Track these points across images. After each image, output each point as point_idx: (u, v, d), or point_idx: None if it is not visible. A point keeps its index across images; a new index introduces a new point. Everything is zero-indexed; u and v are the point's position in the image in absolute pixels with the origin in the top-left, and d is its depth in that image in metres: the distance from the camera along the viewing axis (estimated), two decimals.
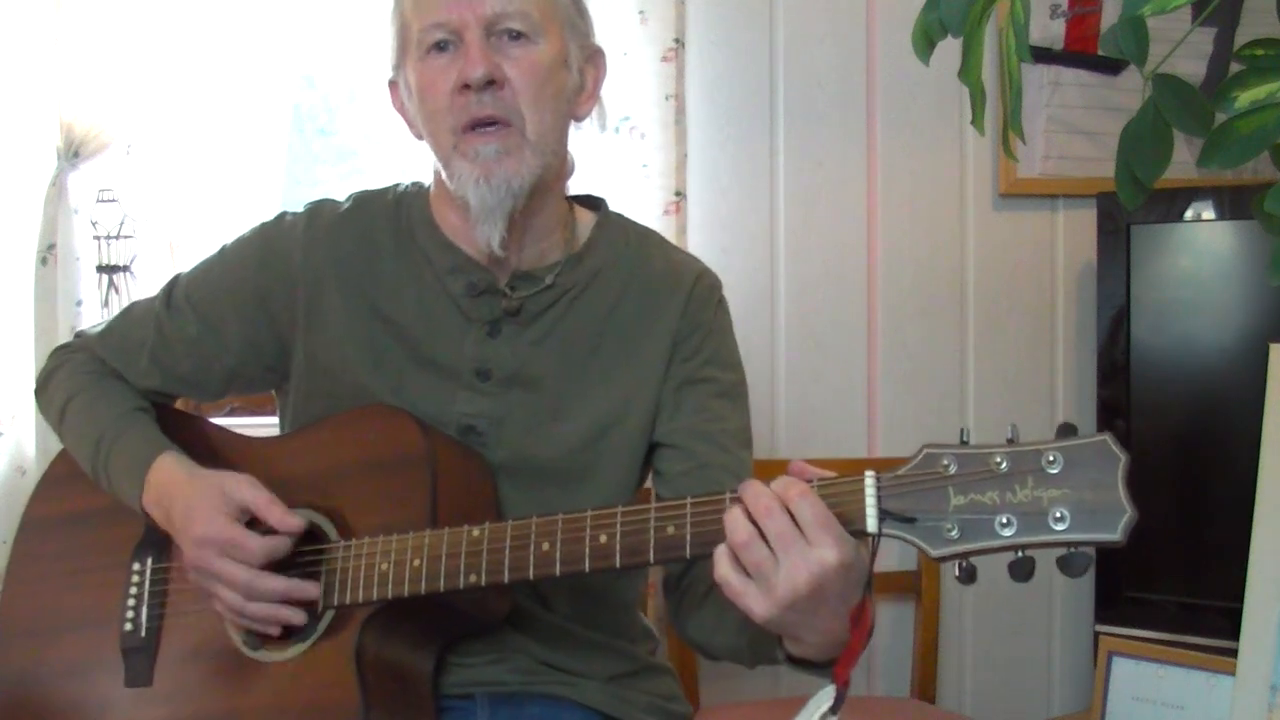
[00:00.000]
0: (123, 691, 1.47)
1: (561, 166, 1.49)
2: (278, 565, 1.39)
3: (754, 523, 1.11)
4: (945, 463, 1.09)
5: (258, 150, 2.36)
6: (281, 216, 1.57)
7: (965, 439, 1.11)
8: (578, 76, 1.47)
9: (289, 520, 1.38)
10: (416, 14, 1.43)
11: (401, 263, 1.51)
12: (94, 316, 2.25)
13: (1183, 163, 1.74)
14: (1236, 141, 1.22)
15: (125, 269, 2.31)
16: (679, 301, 1.52)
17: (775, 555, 1.10)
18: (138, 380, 1.58)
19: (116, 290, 2.30)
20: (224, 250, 1.59)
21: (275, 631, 1.39)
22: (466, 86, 1.38)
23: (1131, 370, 2.38)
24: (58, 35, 2.25)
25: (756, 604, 1.12)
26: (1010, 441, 1.08)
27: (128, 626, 1.49)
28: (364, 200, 1.57)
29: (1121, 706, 1.87)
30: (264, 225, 1.57)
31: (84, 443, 1.54)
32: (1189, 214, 2.34)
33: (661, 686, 1.58)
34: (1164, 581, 2.33)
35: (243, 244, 1.58)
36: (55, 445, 1.64)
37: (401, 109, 1.52)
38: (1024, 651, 2.69)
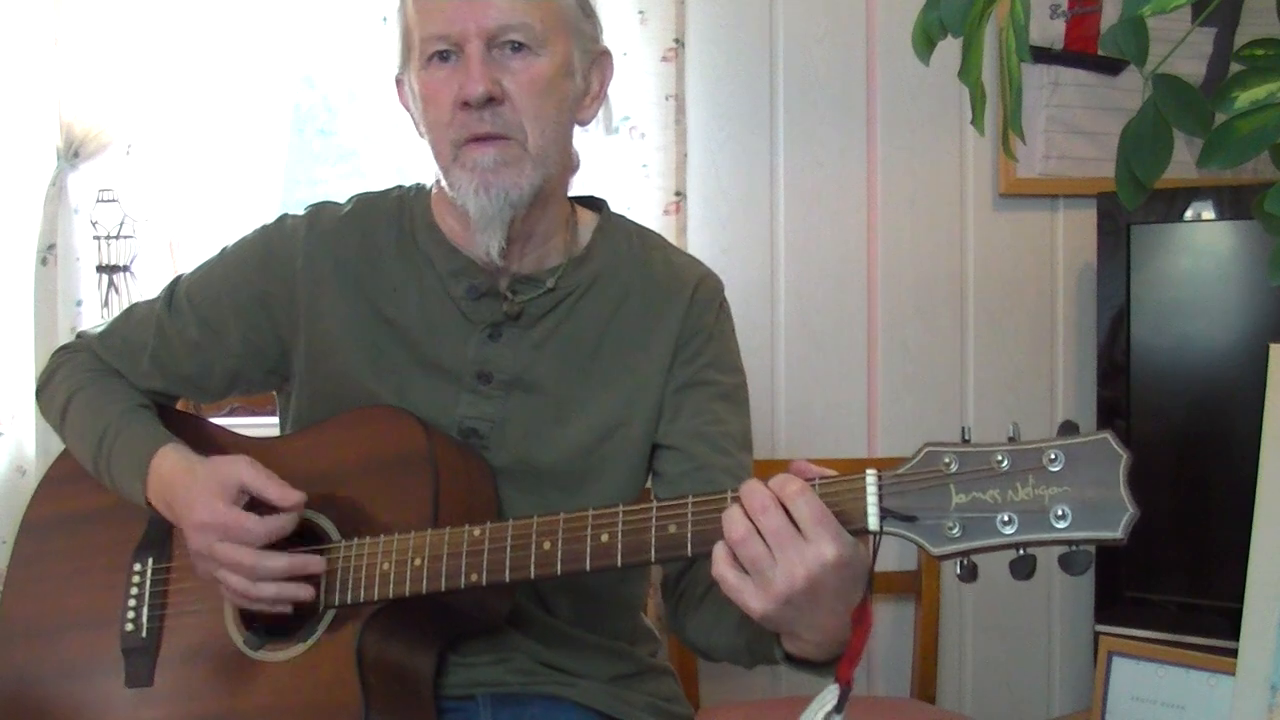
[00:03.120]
0: (123, 692, 1.47)
1: (564, 173, 1.48)
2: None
3: (751, 520, 1.11)
4: (947, 461, 1.09)
5: (258, 150, 2.36)
6: (283, 219, 1.56)
7: (966, 437, 1.11)
8: (581, 82, 1.45)
9: (289, 494, 1.37)
10: (418, 21, 1.41)
11: (403, 265, 1.51)
12: (94, 316, 2.25)
13: (1183, 163, 1.74)
14: (1236, 141, 1.22)
15: (125, 269, 2.31)
16: (681, 305, 1.51)
17: (772, 552, 1.10)
18: (140, 381, 1.58)
19: (116, 290, 2.30)
20: (224, 252, 1.59)
21: (287, 610, 1.38)
22: (467, 104, 1.38)
23: (1131, 370, 2.38)
24: (58, 35, 2.25)
25: (753, 600, 1.12)
26: (1012, 440, 1.08)
27: (128, 627, 1.49)
28: (365, 202, 1.56)
29: (1121, 706, 1.87)
30: (265, 228, 1.57)
31: (86, 439, 1.53)
32: (1189, 214, 2.34)
33: (662, 688, 1.57)
34: (1164, 581, 2.33)
35: (243, 246, 1.57)
36: (56, 445, 1.64)
37: (407, 106, 1.51)
38: (1024, 651, 2.69)
